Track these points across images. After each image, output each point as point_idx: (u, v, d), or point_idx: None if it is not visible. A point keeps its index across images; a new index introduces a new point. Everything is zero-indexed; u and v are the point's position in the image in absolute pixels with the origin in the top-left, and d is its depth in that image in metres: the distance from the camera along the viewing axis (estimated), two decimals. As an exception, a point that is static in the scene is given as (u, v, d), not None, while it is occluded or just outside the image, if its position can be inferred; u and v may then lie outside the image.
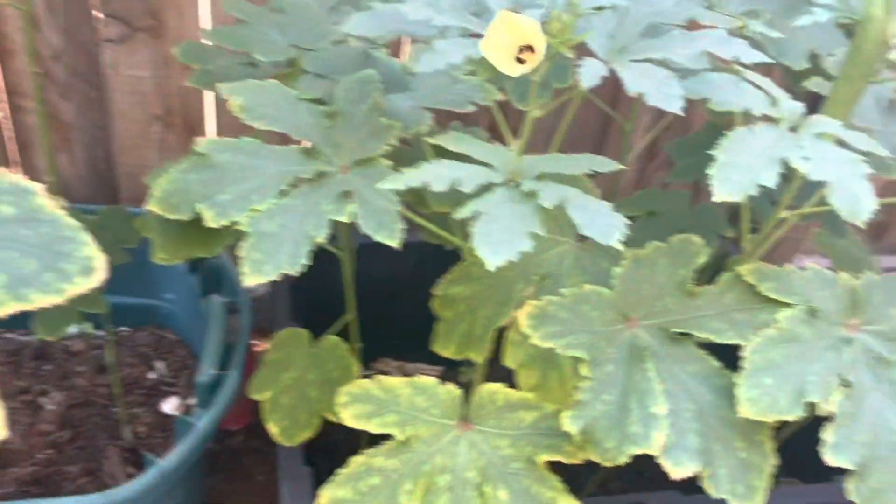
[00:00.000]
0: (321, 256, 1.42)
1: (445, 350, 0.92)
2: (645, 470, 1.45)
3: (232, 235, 0.86)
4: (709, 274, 0.94)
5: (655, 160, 1.69)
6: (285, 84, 0.89)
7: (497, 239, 0.62)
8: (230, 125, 1.50)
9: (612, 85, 1.60)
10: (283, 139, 0.87)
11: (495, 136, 1.02)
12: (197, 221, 0.79)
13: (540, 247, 0.88)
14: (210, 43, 1.05)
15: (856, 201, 0.69)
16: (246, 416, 1.41)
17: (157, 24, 1.35)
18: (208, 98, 1.46)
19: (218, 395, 1.13)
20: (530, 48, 0.72)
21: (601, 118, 1.58)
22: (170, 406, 1.38)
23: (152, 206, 0.78)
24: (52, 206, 0.55)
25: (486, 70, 0.72)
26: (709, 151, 1.28)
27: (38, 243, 0.52)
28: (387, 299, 1.44)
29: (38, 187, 0.55)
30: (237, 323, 1.29)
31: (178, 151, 1.52)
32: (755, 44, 0.83)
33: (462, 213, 0.66)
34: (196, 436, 1.08)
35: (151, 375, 1.43)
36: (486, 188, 0.69)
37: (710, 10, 0.82)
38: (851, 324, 0.79)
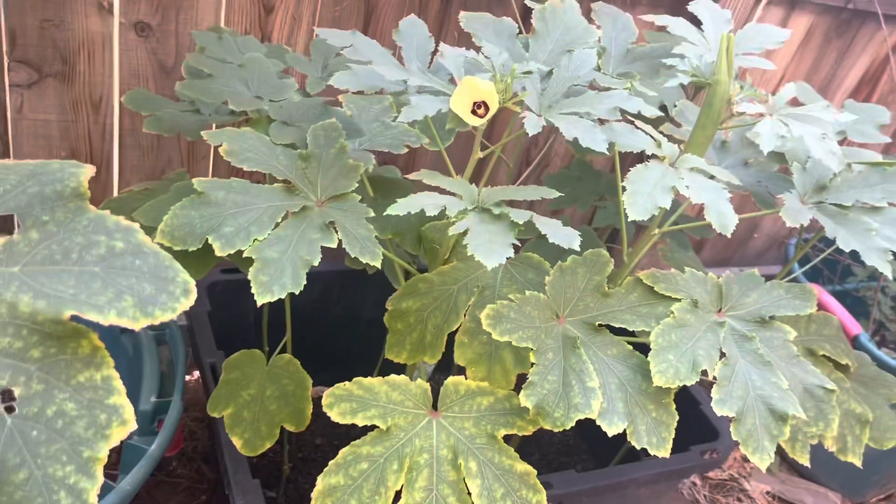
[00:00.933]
0: (230, 287, 1.52)
1: (399, 357, 1.07)
2: (552, 459, 1.68)
3: (214, 260, 0.97)
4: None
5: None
6: (255, 129, 1.01)
7: (488, 248, 0.80)
8: (133, 167, 1.56)
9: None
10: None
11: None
12: (188, 252, 0.90)
13: (478, 263, 1.07)
14: (152, 93, 1.15)
15: (724, 217, 0.94)
16: (179, 442, 1.46)
17: (68, 69, 1.40)
18: (115, 140, 1.51)
19: (164, 420, 1.19)
20: (484, 104, 0.91)
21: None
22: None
23: (160, 240, 0.87)
24: (149, 241, 0.65)
25: (453, 120, 0.90)
26: (577, 183, 1.53)
27: (148, 271, 0.63)
28: (298, 325, 1.56)
29: (136, 225, 0.65)
30: (165, 353, 1.35)
31: (80, 192, 1.55)
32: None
33: (456, 229, 0.83)
34: (149, 459, 1.14)
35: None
36: (463, 212, 0.87)
37: (602, 75, 1.06)
38: (720, 311, 1.05)
